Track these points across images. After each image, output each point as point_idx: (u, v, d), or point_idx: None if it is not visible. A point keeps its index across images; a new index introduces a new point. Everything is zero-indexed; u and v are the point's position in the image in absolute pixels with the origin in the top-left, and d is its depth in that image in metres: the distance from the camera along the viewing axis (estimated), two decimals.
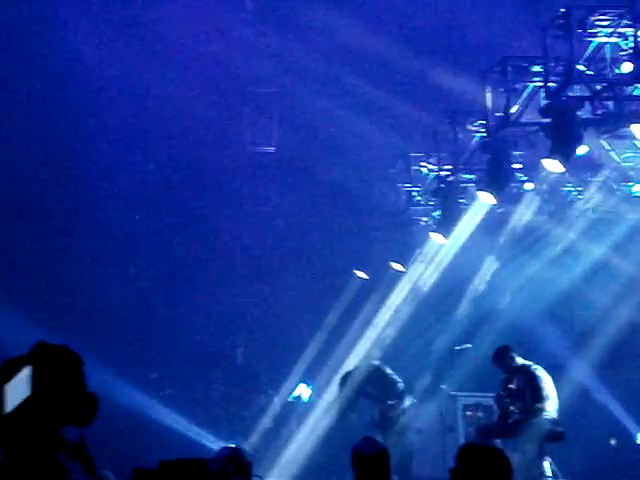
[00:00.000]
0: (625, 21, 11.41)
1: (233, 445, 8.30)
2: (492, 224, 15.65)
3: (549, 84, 11.93)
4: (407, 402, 14.13)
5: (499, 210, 15.41)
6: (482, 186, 13.97)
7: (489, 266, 16.43)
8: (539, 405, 12.20)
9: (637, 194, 15.14)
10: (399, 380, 14.29)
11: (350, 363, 15.66)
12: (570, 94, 11.90)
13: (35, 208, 17.55)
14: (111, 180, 17.96)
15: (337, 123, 17.63)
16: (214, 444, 16.09)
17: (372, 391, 14.23)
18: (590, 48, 11.80)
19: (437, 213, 16.24)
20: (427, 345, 16.51)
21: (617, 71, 12.00)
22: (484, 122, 13.65)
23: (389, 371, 14.33)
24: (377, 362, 14.71)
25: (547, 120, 12.15)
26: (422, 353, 16.22)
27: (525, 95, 12.90)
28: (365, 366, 14.63)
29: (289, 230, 18.21)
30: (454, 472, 5.31)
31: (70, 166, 17.90)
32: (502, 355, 12.61)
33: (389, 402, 14.12)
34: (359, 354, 15.72)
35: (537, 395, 12.23)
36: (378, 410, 14.24)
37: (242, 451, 7.89)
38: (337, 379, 14.86)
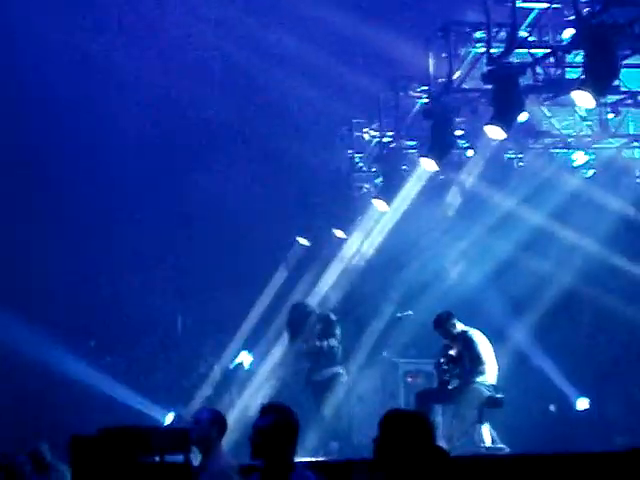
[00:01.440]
0: None
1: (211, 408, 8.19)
2: (434, 191, 15.69)
3: (491, 50, 11.93)
4: (338, 368, 13.78)
5: (441, 177, 15.45)
6: (424, 152, 13.97)
7: (430, 233, 16.46)
8: (477, 370, 12.28)
9: (576, 161, 15.28)
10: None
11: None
12: (512, 61, 11.92)
13: None
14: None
15: (279, 89, 17.52)
16: (154, 412, 16.05)
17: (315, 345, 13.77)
18: (532, 14, 11.80)
19: (379, 180, 16.23)
20: (368, 312, 16.52)
21: (559, 37, 12.05)
22: (426, 88, 13.63)
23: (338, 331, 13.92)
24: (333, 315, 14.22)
25: (489, 86, 12.16)
26: (363, 320, 16.23)
27: (467, 61, 12.90)
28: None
29: (230, 196, 18.06)
30: (377, 441, 5.28)
31: None
32: (443, 321, 12.65)
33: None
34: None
35: (476, 361, 12.31)
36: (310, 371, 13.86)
37: (221, 412, 7.79)
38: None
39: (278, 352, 15.45)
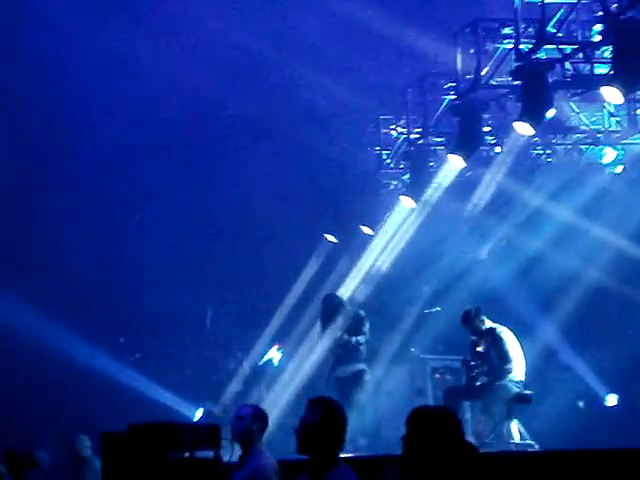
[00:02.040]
0: None
1: (254, 404, 8.19)
2: (461, 187, 15.67)
3: (520, 46, 11.91)
4: (362, 365, 13.83)
5: (468, 173, 15.43)
6: (452, 149, 13.95)
7: (458, 230, 16.45)
8: (506, 368, 12.27)
9: (604, 157, 15.22)
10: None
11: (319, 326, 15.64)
12: (541, 57, 11.90)
13: None
14: (78, 140, 17.82)
15: (308, 86, 17.53)
16: (183, 408, 16.15)
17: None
18: (561, 10, 11.78)
19: (407, 177, 16.22)
20: (396, 309, 16.53)
21: (587, 33, 12.02)
22: (454, 84, 13.62)
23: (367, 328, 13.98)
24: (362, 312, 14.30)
25: (518, 82, 12.14)
26: (391, 317, 16.24)
27: (496, 57, 12.88)
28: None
29: (259, 193, 18.11)
30: (406, 439, 5.27)
31: None
32: (471, 318, 12.65)
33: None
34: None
35: (504, 358, 12.30)
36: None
37: (263, 408, 7.78)
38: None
39: (306, 348, 15.52)
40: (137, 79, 17.78)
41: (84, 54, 17.57)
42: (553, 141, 15.00)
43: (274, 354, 16.38)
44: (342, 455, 6.15)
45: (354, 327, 13.79)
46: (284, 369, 15.65)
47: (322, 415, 6.05)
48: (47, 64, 17.44)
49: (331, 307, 14.02)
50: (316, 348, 14.69)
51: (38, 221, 17.64)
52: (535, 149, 15.48)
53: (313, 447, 6.05)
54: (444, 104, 14.58)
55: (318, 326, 14.42)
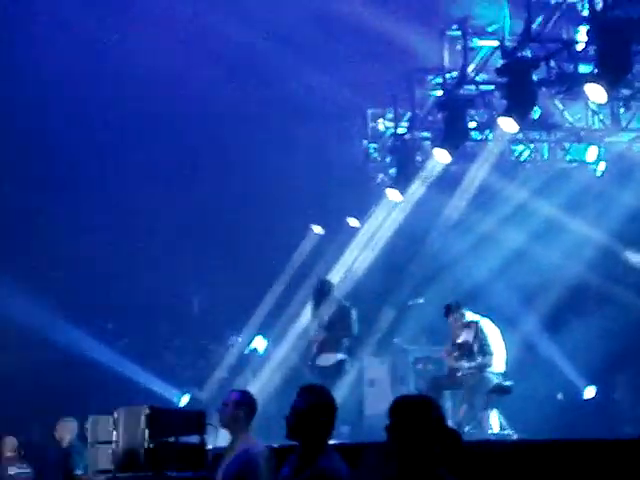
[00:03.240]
0: None
1: (242, 389, 8.22)
2: (446, 182, 15.84)
3: (506, 44, 12.09)
4: (344, 356, 14.02)
5: (453, 168, 15.60)
6: (438, 144, 14.13)
7: (443, 223, 16.61)
8: (486, 359, 12.49)
9: (587, 154, 15.43)
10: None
11: (305, 314, 15.81)
12: (526, 54, 12.08)
13: None
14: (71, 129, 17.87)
15: (295, 78, 17.63)
16: (169, 394, 16.27)
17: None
18: (547, 8, 11.95)
19: (393, 170, 16.38)
20: (381, 300, 16.69)
21: (572, 32, 12.20)
22: (441, 80, 13.80)
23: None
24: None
25: (503, 79, 12.33)
26: (376, 307, 16.40)
27: (482, 54, 13.06)
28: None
29: (246, 183, 18.22)
30: (389, 429, 5.37)
31: None
32: (453, 310, 12.87)
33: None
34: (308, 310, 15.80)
35: (484, 349, 12.52)
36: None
37: (252, 394, 7.77)
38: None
39: (293, 335, 15.68)
40: (125, 70, 17.85)
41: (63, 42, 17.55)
42: (537, 137, 15.17)
43: (259, 343, 16.51)
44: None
45: (341, 321, 13.98)
46: (269, 357, 15.80)
47: (313, 402, 6.15)
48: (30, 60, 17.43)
49: (324, 289, 14.25)
50: (303, 334, 14.90)
51: (25, 204, 17.67)
52: (519, 145, 15.68)
53: (303, 433, 6.13)
54: (431, 99, 14.76)
55: (309, 310, 14.62)
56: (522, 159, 16.11)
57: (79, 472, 11.61)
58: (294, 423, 6.17)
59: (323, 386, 6.52)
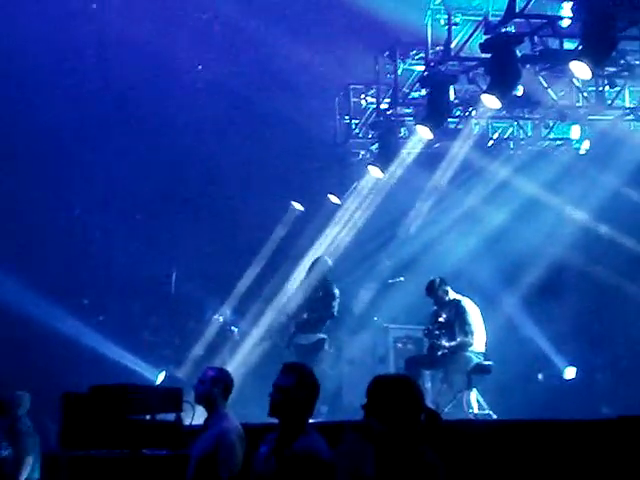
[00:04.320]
0: None
1: (219, 366, 8.18)
2: (428, 159, 15.74)
3: (489, 19, 11.94)
4: (323, 335, 14.04)
5: (436, 145, 15.49)
6: (420, 120, 14.00)
7: (424, 201, 16.53)
8: (467, 338, 12.42)
9: (571, 132, 15.34)
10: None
11: (285, 292, 15.73)
12: (510, 30, 11.93)
13: None
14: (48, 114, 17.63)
15: (277, 52, 17.46)
16: (146, 371, 16.15)
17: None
18: None
19: (375, 147, 16.26)
20: (361, 278, 16.62)
21: (557, 7, 12.07)
22: (423, 55, 13.65)
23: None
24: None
25: (487, 55, 12.18)
26: (355, 286, 16.32)
27: (466, 30, 12.90)
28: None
29: (225, 158, 18.06)
30: (367, 406, 5.34)
31: None
32: (435, 287, 12.78)
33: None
34: (294, 284, 15.75)
35: (465, 328, 12.45)
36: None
37: (228, 372, 7.75)
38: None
39: (270, 314, 15.58)
40: (106, 47, 17.65)
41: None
42: (520, 115, 15.07)
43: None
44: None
45: (322, 300, 13.96)
46: (247, 335, 15.71)
47: (297, 380, 6.18)
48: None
49: (318, 264, 14.24)
50: (282, 310, 14.87)
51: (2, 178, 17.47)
52: (502, 122, 15.58)
53: (285, 411, 6.16)
54: (414, 75, 14.61)
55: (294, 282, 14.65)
56: (505, 137, 16.01)
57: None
58: (278, 401, 6.18)
59: (305, 364, 6.48)
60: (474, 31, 12.56)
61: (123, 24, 17.34)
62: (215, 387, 7.52)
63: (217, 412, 7.48)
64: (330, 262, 14.79)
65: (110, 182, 18.04)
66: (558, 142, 15.69)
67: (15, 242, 16.98)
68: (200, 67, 18.89)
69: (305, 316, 13.97)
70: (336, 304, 13.99)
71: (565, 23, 11.80)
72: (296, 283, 14.98)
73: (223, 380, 7.59)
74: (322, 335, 13.95)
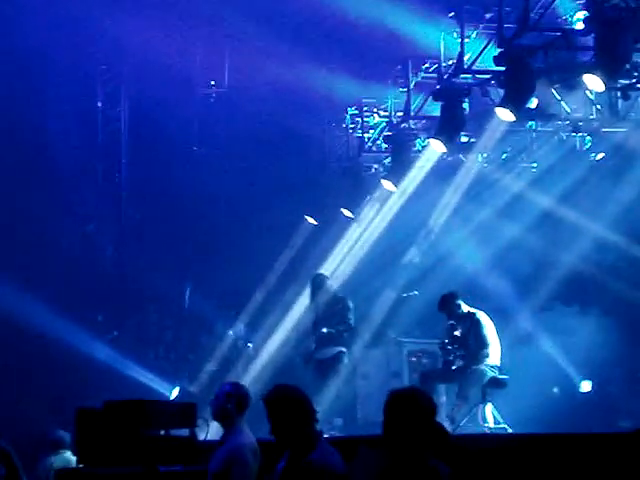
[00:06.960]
0: None
1: (234, 382, 8.19)
2: (442, 172, 15.72)
3: (503, 32, 11.93)
4: (342, 348, 14.05)
5: (449, 158, 15.47)
6: (434, 134, 13.98)
7: (438, 214, 16.50)
8: (482, 352, 12.36)
9: (585, 145, 15.30)
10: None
11: (299, 307, 15.71)
12: (524, 43, 11.91)
13: None
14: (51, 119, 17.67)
15: (289, 67, 17.48)
16: (160, 386, 16.15)
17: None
18: None
19: (388, 160, 16.26)
20: (375, 292, 16.58)
21: (571, 20, 12.05)
22: (437, 69, 13.65)
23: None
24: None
25: (500, 68, 12.16)
26: (370, 299, 16.29)
27: (479, 43, 12.89)
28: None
29: (239, 173, 18.09)
30: (384, 425, 5.37)
31: None
32: (448, 302, 12.72)
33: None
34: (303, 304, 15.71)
35: (480, 342, 12.40)
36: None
37: (243, 387, 7.77)
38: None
39: (285, 329, 15.57)
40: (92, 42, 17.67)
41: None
42: (534, 128, 15.03)
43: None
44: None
45: (339, 314, 13.97)
46: (263, 348, 15.71)
47: (271, 396, 6.38)
48: None
49: (314, 286, 14.25)
50: (296, 326, 14.86)
51: (18, 196, 17.50)
52: (516, 135, 15.55)
53: (276, 431, 6.30)
54: (419, 99, 14.64)
55: (304, 303, 14.66)
56: (519, 149, 15.98)
57: None
58: (270, 423, 6.36)
59: (286, 384, 6.59)
60: (487, 44, 12.54)
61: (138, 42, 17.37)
62: (229, 402, 7.52)
63: (233, 427, 7.47)
64: (328, 276, 14.88)
65: (123, 196, 18.08)
66: (572, 154, 15.62)
67: (29, 258, 17.01)
68: (213, 83, 18.95)
69: (324, 330, 13.99)
70: (352, 316, 14.03)
71: (579, 36, 11.75)
72: (305, 302, 14.95)
73: (236, 395, 7.57)
74: (341, 348, 13.96)
